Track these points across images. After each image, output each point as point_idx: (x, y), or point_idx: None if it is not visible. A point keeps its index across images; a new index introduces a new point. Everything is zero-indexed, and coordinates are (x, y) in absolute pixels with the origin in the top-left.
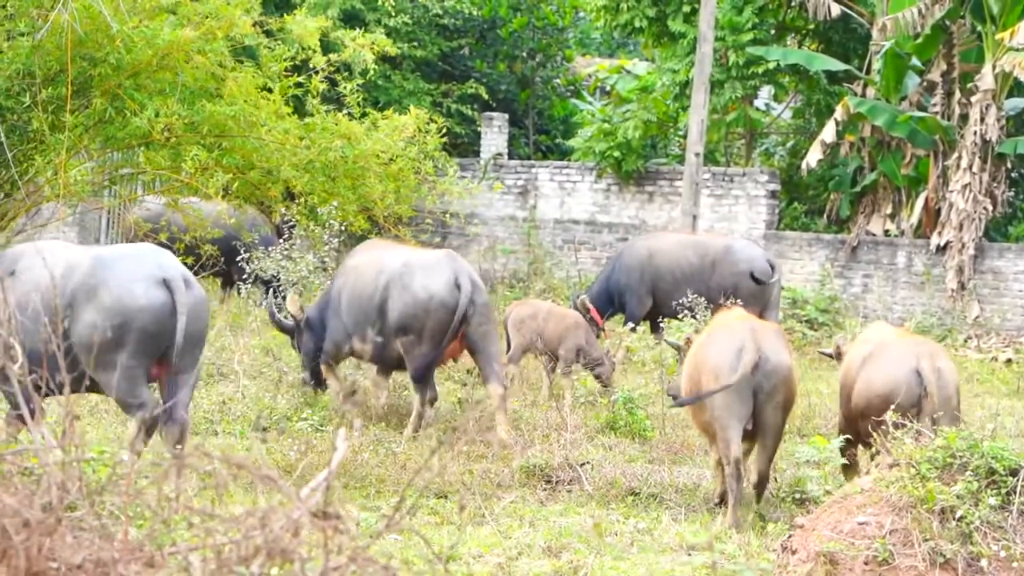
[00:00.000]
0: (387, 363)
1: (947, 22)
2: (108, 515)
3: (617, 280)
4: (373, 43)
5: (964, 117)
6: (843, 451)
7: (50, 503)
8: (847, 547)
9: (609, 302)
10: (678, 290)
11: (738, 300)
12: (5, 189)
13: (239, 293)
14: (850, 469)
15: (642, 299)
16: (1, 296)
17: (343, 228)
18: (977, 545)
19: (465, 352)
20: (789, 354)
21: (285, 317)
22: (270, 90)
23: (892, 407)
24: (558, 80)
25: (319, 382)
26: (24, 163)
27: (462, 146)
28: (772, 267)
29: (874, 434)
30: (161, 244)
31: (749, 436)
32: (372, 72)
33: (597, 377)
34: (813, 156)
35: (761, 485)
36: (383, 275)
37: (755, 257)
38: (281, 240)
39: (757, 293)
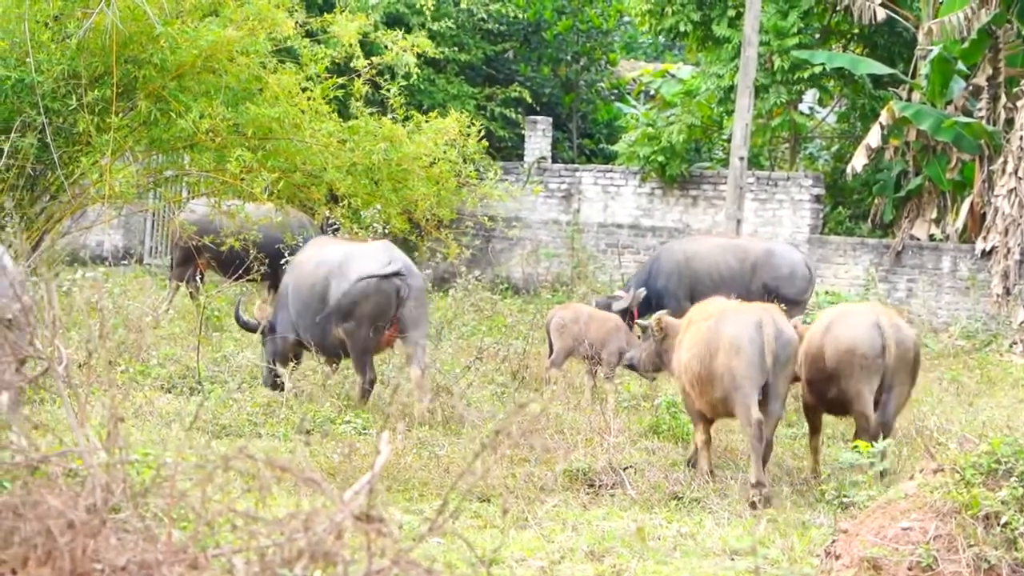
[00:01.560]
0: (328, 351)
1: (993, 26)
2: (152, 517)
3: (654, 283)
4: (414, 44)
5: (1010, 122)
6: (808, 417)
7: (95, 505)
8: (891, 552)
9: (647, 305)
10: (717, 293)
11: (781, 304)
12: (51, 191)
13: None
14: (814, 433)
15: (680, 302)
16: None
17: (386, 231)
18: (1022, 551)
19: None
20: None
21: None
22: (310, 89)
23: (858, 360)
24: (602, 84)
25: (277, 386)
26: (70, 165)
27: (506, 150)
28: (811, 271)
29: (844, 393)
30: (206, 247)
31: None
32: (415, 76)
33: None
34: (858, 160)
35: (768, 448)
36: (324, 266)
37: (796, 261)
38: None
39: (798, 297)
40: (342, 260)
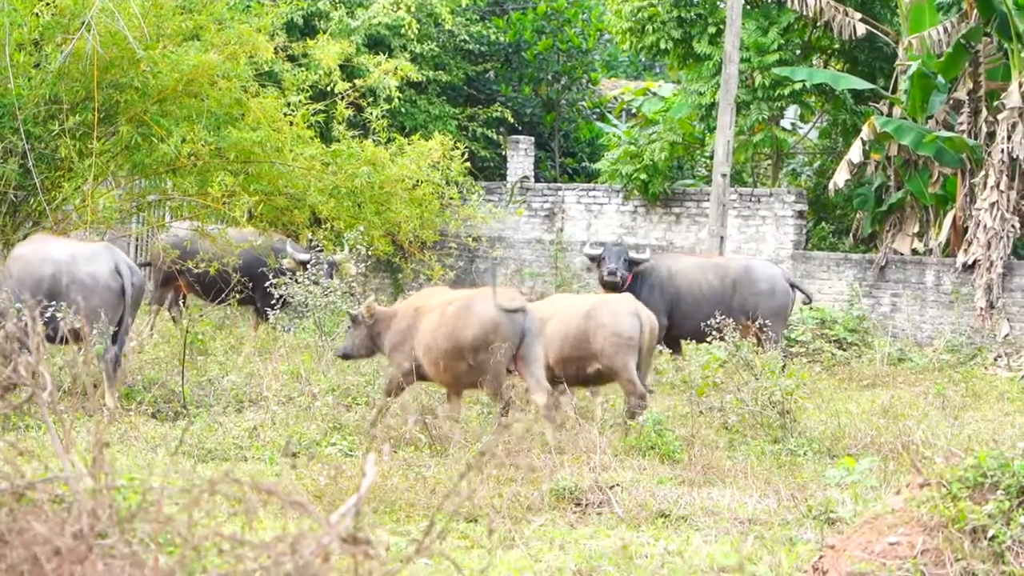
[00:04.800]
0: (52, 340)
1: (972, 41)
2: (138, 542)
3: (636, 295)
4: (397, 68)
5: (991, 135)
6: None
7: (81, 531)
8: (878, 567)
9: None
10: (698, 311)
11: (765, 320)
12: (34, 217)
13: (265, 319)
14: (557, 409)
15: (659, 317)
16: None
17: (369, 253)
18: (1009, 564)
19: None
20: None
21: None
22: (292, 113)
23: (624, 340)
24: (584, 103)
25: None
26: (52, 190)
27: (488, 170)
28: (792, 286)
29: (609, 369)
30: (188, 270)
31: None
32: (396, 99)
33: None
34: (840, 176)
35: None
36: (49, 263)
37: (775, 277)
38: (310, 265)
39: (779, 311)
40: (69, 260)
